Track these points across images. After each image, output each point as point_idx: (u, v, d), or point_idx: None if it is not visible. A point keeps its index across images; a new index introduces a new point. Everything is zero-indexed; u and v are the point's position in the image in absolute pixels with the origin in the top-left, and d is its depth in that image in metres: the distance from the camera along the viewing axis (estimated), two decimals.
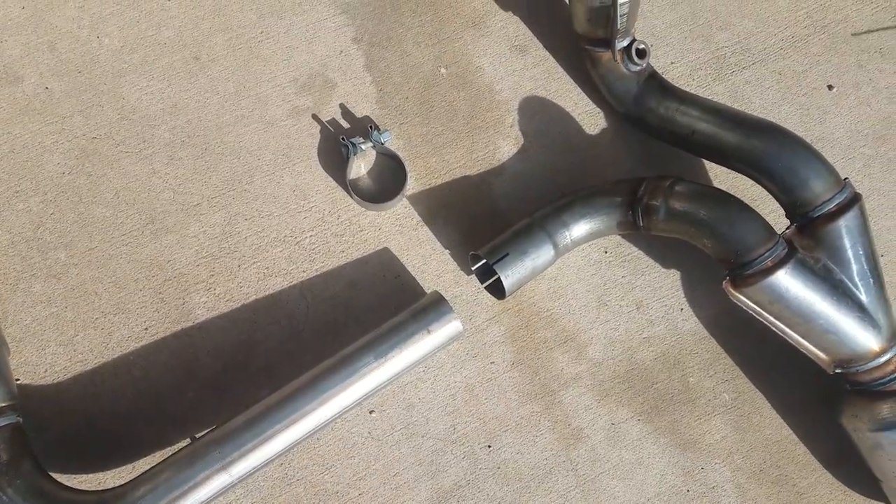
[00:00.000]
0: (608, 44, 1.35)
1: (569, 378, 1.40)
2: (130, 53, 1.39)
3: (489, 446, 1.35)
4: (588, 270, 1.44)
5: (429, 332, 1.23)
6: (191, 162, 1.36)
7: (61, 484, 1.10)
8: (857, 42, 1.57)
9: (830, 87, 1.57)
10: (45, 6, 1.40)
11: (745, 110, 1.46)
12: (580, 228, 1.34)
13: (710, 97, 1.46)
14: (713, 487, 1.40)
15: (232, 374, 1.29)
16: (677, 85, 1.43)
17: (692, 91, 1.47)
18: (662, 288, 1.45)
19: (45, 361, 1.26)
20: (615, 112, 1.48)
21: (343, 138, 1.35)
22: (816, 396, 1.41)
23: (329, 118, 1.41)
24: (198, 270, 1.32)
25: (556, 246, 1.31)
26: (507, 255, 1.28)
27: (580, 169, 1.47)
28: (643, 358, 1.42)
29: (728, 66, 1.56)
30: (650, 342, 1.43)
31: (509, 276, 1.28)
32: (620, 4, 1.26)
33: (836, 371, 1.28)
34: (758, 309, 1.26)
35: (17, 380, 1.24)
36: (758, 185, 1.32)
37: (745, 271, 1.22)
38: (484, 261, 1.30)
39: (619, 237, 1.44)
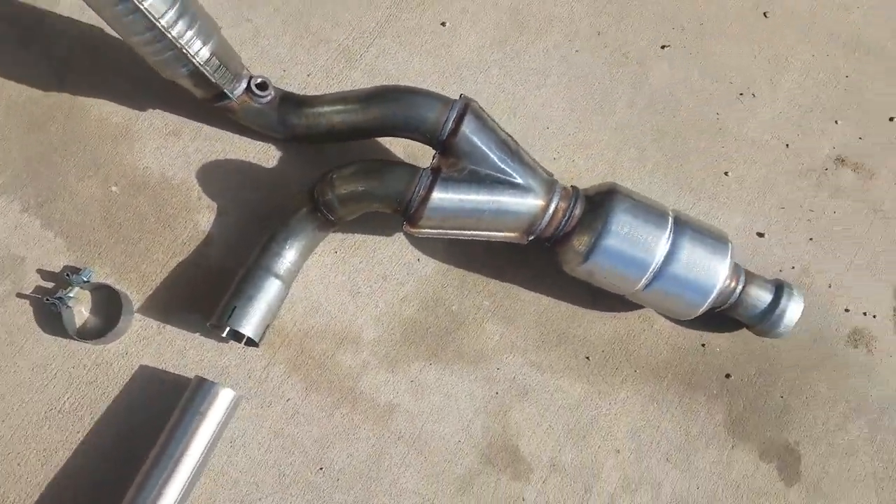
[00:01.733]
0: (227, 95, 1.24)
1: (358, 369, 1.31)
2: None
3: (321, 469, 1.26)
4: (330, 275, 1.35)
5: (202, 413, 1.12)
6: None
7: None
8: None
9: (443, 24, 1.52)
10: None
11: (386, 81, 1.40)
12: (292, 251, 1.24)
13: (352, 86, 1.38)
14: (514, 378, 1.35)
15: None
16: (321, 90, 1.35)
17: (336, 88, 1.39)
18: (394, 252, 1.37)
19: None
20: (277, 140, 1.37)
21: (47, 299, 1.19)
22: (543, 265, 1.38)
23: (32, 288, 1.26)
24: None
25: (278, 276, 1.21)
26: (235, 307, 1.18)
27: (276, 199, 1.36)
28: (408, 314, 1.35)
29: (354, 53, 1.48)
30: (408, 299, 1.36)
31: (247, 325, 1.18)
32: (204, 64, 1.14)
33: (530, 239, 1.24)
34: (439, 231, 1.20)
35: None
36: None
37: (410, 210, 1.16)
38: (229, 325, 1.18)
39: (336, 234, 1.35)
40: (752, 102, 1.58)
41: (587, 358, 1.39)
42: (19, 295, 1.23)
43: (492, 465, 1.29)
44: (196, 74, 1.17)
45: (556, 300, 1.40)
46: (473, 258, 1.38)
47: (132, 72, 1.35)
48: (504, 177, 1.20)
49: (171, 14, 1.06)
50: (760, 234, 1.51)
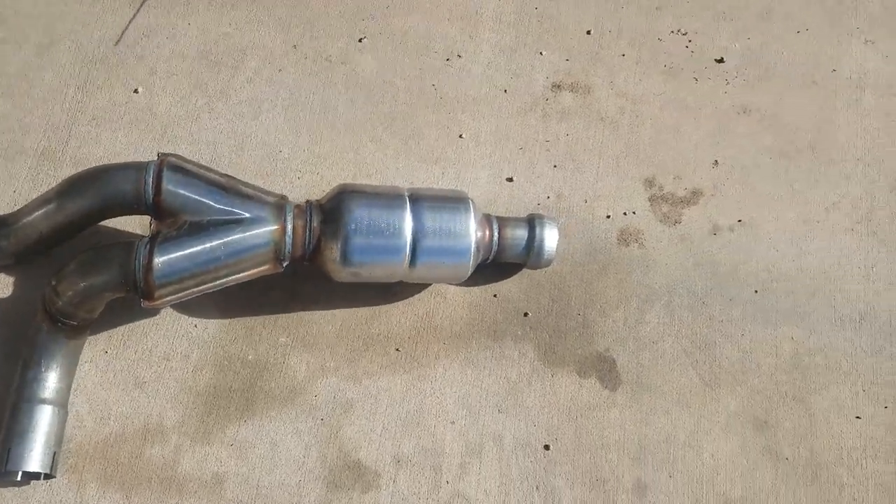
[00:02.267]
0: None
1: (172, 455, 1.37)
2: None
3: None
4: (108, 376, 1.40)
5: None
6: None
7: None
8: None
9: (136, 91, 1.61)
10: None
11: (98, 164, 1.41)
12: (52, 372, 1.29)
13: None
14: (334, 398, 1.45)
15: None
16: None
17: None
18: (167, 328, 1.44)
19: None
20: (5, 266, 1.39)
21: None
22: (320, 283, 1.49)
23: None
24: None
25: (46, 401, 1.24)
26: (10, 449, 1.19)
27: (22, 327, 1.37)
28: (205, 383, 1.41)
29: (55, 152, 1.54)
30: (199, 368, 1.42)
31: (30, 462, 1.20)
32: None
33: (285, 264, 1.33)
34: (184, 293, 1.25)
35: None
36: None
37: (140, 285, 1.20)
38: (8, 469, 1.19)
39: (97, 335, 1.40)
40: (461, 63, 1.78)
41: (397, 350, 1.52)
42: None
43: (339, 488, 1.39)
44: None
45: (348, 309, 1.52)
46: (250, 302, 1.46)
47: None
48: (228, 217, 1.27)
49: None
50: (510, 179, 1.70)
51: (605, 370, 1.57)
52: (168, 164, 1.26)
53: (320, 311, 1.51)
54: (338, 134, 1.65)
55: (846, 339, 1.60)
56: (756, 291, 1.65)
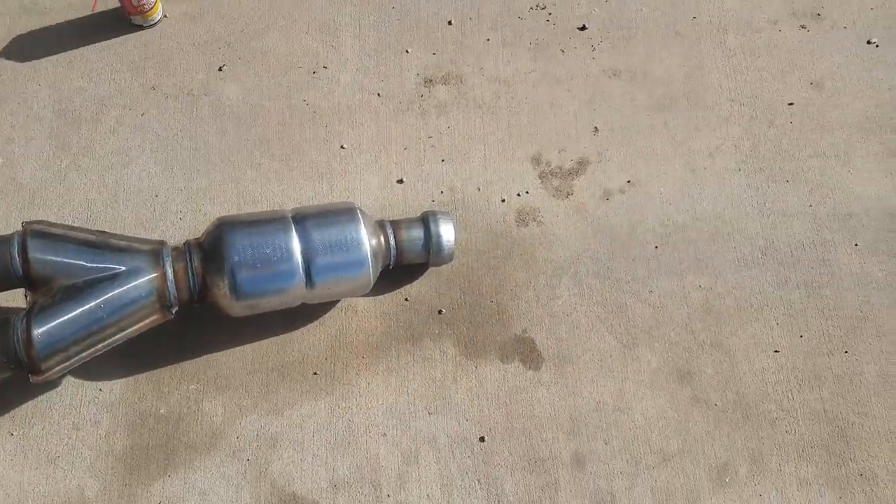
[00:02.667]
0: None
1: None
2: None
3: None
4: (18, 460, 1.44)
5: None
6: None
7: None
8: None
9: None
10: None
11: None
12: None
13: None
14: (257, 435, 1.51)
15: None
16: None
17: None
18: (71, 398, 1.49)
19: None
20: None
21: None
22: (218, 322, 1.56)
23: None
24: None
25: None
26: None
27: None
28: (122, 445, 1.47)
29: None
30: (112, 432, 1.47)
31: None
32: None
33: (175, 310, 1.37)
34: (70, 361, 1.28)
35: None
36: None
37: (24, 360, 1.23)
38: None
39: (3, 419, 1.43)
40: (328, 74, 1.84)
41: (315, 374, 1.57)
42: None
43: None
44: None
45: (255, 343, 1.56)
46: (151, 354, 1.50)
47: None
48: (103, 274, 1.29)
49: None
50: (400, 181, 1.77)
51: (526, 351, 1.65)
52: (31, 233, 1.28)
53: (227, 350, 1.55)
54: (214, 167, 1.70)
55: (752, 277, 1.72)
56: (656, 247, 1.77)
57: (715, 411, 1.61)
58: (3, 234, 1.31)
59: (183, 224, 1.61)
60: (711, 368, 1.64)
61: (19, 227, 1.34)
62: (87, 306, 1.28)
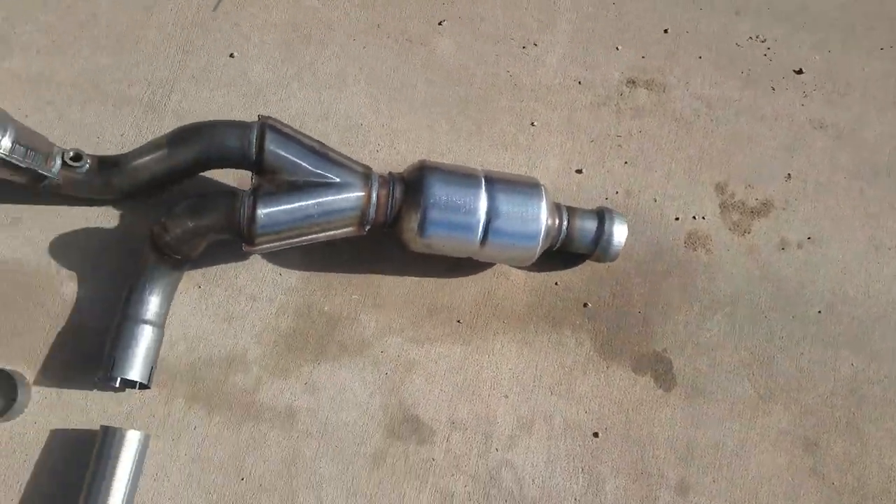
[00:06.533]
0: (42, 177, 2.05)
1: (252, 385, 2.19)
2: None
3: (242, 479, 2.11)
4: (199, 308, 2.22)
5: (116, 457, 1.93)
6: None
7: None
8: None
9: (232, 55, 2.50)
10: None
11: (195, 120, 2.22)
12: (154, 296, 2.09)
13: (162, 131, 2.24)
14: (398, 356, 2.27)
15: None
16: (137, 146, 2.20)
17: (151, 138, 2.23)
18: (256, 273, 2.28)
19: None
20: (111, 201, 2.25)
21: None
22: (395, 250, 2.30)
23: None
24: None
25: (149, 322, 2.05)
26: (114, 358, 2.00)
27: (127, 253, 2.23)
28: (286, 325, 2.25)
29: (158, 104, 2.42)
30: (281, 312, 2.26)
31: (130, 371, 1.99)
32: (10, 153, 1.95)
33: (368, 228, 2.13)
34: (279, 243, 2.05)
35: None
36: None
37: (244, 229, 2.00)
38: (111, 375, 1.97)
39: (194, 271, 2.24)
40: (536, 52, 2.65)
41: (458, 322, 2.34)
42: None
43: (397, 437, 2.20)
44: (7, 164, 1.98)
45: (417, 278, 2.34)
46: (331, 260, 2.28)
47: None
48: (320, 180, 2.08)
49: None
50: (579, 171, 2.54)
51: (661, 370, 2.36)
52: (269, 126, 2.06)
53: (391, 276, 2.34)
54: (415, 112, 2.51)
55: None
56: (820, 312, 2.43)
57: (830, 490, 2.23)
58: (238, 120, 2.11)
59: (378, 156, 2.41)
60: (840, 448, 2.28)
61: (246, 117, 2.13)
62: (304, 203, 2.05)
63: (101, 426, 1.98)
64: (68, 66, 2.42)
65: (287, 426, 2.18)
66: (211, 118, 2.15)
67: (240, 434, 2.15)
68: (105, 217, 2.28)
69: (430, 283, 2.36)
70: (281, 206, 2.02)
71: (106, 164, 2.15)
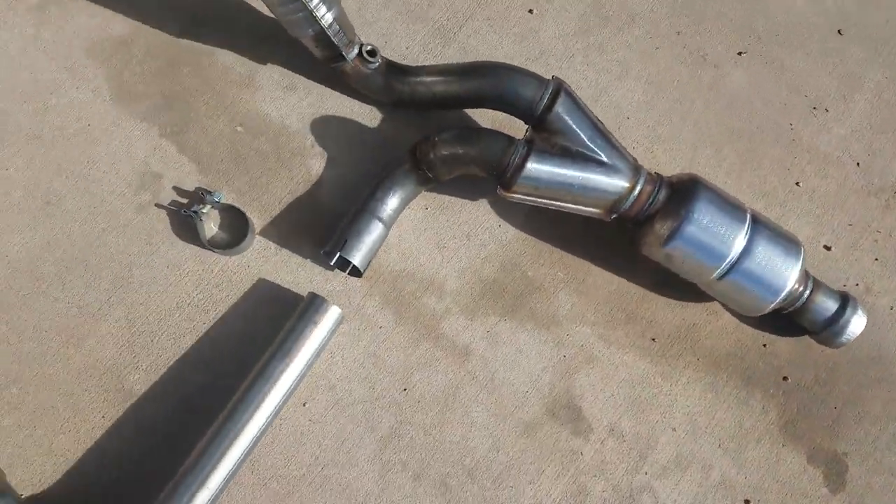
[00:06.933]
0: (342, 58, 2.26)
1: (441, 312, 2.31)
2: None
3: (405, 390, 2.24)
4: (420, 227, 2.36)
5: (315, 323, 2.08)
6: (79, 280, 2.18)
7: None
8: None
9: (531, 11, 2.62)
10: None
11: (477, 58, 2.42)
12: (393, 200, 2.23)
13: (447, 61, 2.42)
14: (582, 346, 2.32)
15: (184, 425, 2.11)
16: (418, 62, 2.38)
17: (432, 62, 2.44)
18: (479, 216, 2.39)
19: (35, 473, 2.05)
20: (381, 103, 2.43)
21: (184, 211, 2.21)
22: (619, 245, 2.38)
23: (168, 201, 2.28)
24: (122, 358, 2.14)
25: (381, 220, 2.19)
26: (347, 240, 2.16)
27: (379, 156, 2.39)
28: (488, 273, 2.35)
29: (449, 31, 2.54)
30: (488, 260, 2.36)
31: (356, 256, 2.15)
32: (328, 27, 2.15)
33: (613, 216, 2.20)
34: (531, 198, 2.16)
35: (21, 495, 2.03)
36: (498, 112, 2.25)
37: (506, 175, 2.12)
38: (337, 254, 2.16)
39: (428, 193, 2.38)
40: (825, 117, 2.65)
41: (653, 340, 2.38)
42: (157, 205, 2.27)
43: (555, 418, 2.28)
44: (320, 36, 2.18)
45: (627, 281, 2.40)
46: (551, 231, 2.37)
47: (254, 29, 2.44)
48: (593, 155, 2.15)
49: None
50: (827, 248, 2.50)
51: (834, 471, 2.31)
52: (565, 90, 2.17)
53: (603, 269, 2.41)
54: (684, 127, 2.56)
55: None
56: None
57: None
58: (538, 74, 2.23)
59: (633, 154, 2.42)
60: None
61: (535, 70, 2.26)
62: (570, 172, 2.14)
63: (310, 293, 2.15)
64: None
65: (458, 362, 2.28)
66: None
67: (416, 350, 2.28)
68: (370, 116, 2.45)
69: (637, 292, 2.41)
70: (550, 166, 2.11)
71: (394, 69, 2.32)
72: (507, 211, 2.40)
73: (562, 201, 2.18)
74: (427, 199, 2.39)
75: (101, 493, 2.07)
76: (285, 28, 2.21)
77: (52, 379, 2.14)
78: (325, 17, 2.15)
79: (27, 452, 2.07)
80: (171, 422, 2.13)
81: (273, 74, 2.46)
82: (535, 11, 2.63)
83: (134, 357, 2.18)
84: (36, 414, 2.11)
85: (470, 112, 2.44)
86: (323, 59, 2.29)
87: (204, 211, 2.21)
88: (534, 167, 2.11)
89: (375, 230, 2.21)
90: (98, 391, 2.14)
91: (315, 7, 2.10)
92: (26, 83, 2.38)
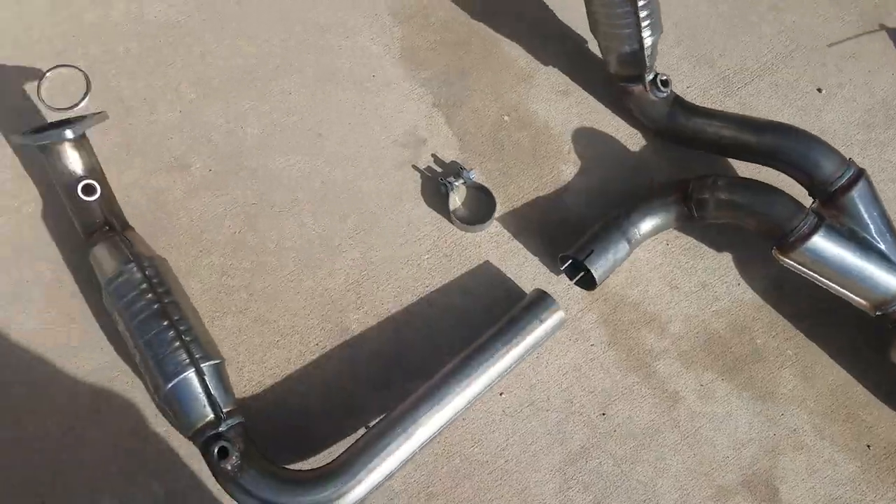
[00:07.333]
0: (639, 79, 2.30)
1: (658, 351, 2.29)
2: (269, 137, 2.33)
3: (603, 414, 2.21)
4: (656, 260, 2.34)
5: (540, 321, 2.07)
6: (328, 213, 2.27)
7: (282, 467, 1.87)
8: (833, 51, 2.66)
9: (820, 90, 2.58)
10: (195, 108, 2.37)
11: (747, 112, 2.40)
12: (646, 225, 2.23)
13: (724, 110, 2.42)
14: (794, 430, 2.21)
15: (387, 373, 2.14)
16: (695, 103, 2.41)
17: (709, 107, 2.43)
18: (720, 268, 2.35)
19: (243, 379, 2.11)
20: (649, 131, 2.44)
21: (441, 178, 2.28)
22: (859, 341, 2.30)
23: (425, 166, 2.36)
24: (347, 295, 2.21)
25: (629, 241, 2.18)
26: (593, 251, 2.17)
27: (630, 179, 2.40)
28: (716, 328, 2.31)
29: (733, 85, 2.54)
30: (719, 314, 2.32)
31: (598, 269, 2.15)
32: (646, 48, 2.21)
33: (878, 314, 2.12)
34: (803, 269, 2.10)
35: None
36: (780, 174, 2.22)
37: (789, 239, 2.07)
38: (570, 261, 2.17)
39: (674, 230, 2.34)
40: None
41: (868, 446, 2.24)
42: (414, 167, 2.36)
43: (751, 492, 2.15)
44: (632, 55, 2.26)
45: (857, 380, 2.30)
46: (794, 305, 2.31)
47: (542, 28, 2.53)
48: (878, 247, 2.10)
49: (644, 2, 2.16)
50: None
51: None
52: (865, 177, 2.14)
53: (835, 361, 2.33)
54: None
55: None
56: None
57: None
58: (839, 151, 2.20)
59: None
60: None
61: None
62: (852, 257, 2.06)
63: (539, 289, 2.16)
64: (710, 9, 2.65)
65: (664, 405, 2.23)
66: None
67: (623, 378, 2.24)
68: (631, 137, 2.51)
69: (864, 394, 2.31)
70: (836, 246, 2.08)
71: (682, 104, 2.36)
72: (751, 271, 2.37)
73: (832, 281, 2.13)
74: (671, 234, 2.38)
75: (301, 415, 2.12)
76: (599, 39, 2.33)
77: (280, 295, 2.22)
78: (647, 38, 2.23)
79: (240, 357, 2.14)
80: (380, 368, 2.17)
81: (551, 76, 2.53)
82: (823, 91, 2.61)
83: (358, 298, 2.24)
84: (257, 323, 2.18)
85: (734, 163, 2.45)
86: (616, 76, 2.36)
87: (456, 184, 2.28)
88: (820, 242, 2.07)
89: (621, 250, 2.21)
90: (318, 319, 2.20)
91: (644, 27, 2.20)
92: (328, 20, 2.55)
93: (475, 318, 2.21)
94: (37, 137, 1.94)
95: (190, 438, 1.83)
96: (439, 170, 2.37)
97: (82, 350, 2.10)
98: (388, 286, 2.25)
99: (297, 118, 2.40)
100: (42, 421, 2.03)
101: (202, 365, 1.82)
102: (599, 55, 2.41)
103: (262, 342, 2.16)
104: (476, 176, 2.32)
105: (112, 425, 2.05)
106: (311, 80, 2.45)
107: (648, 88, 2.31)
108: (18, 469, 1.99)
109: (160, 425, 2.04)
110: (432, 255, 2.29)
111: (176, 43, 2.45)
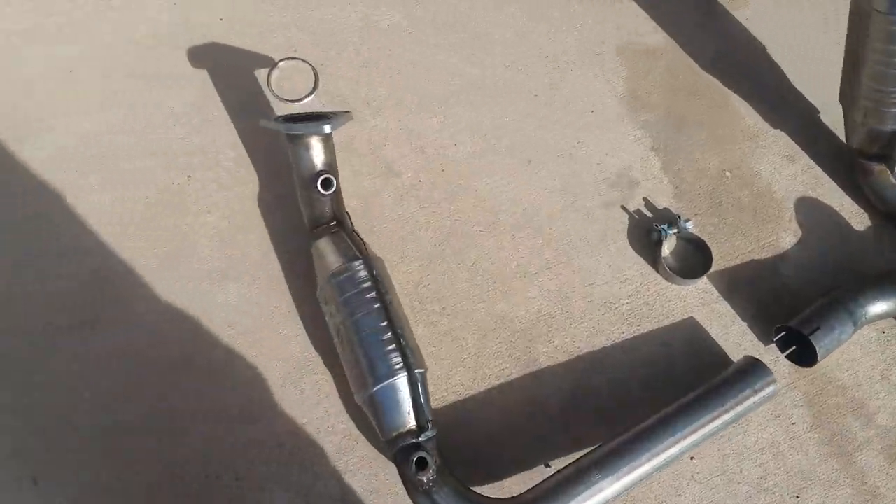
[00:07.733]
0: (882, 159, 2.23)
1: (861, 441, 2.13)
2: (479, 156, 2.36)
3: (797, 497, 2.06)
4: (870, 347, 2.20)
5: (754, 391, 1.98)
6: (528, 240, 2.26)
7: (470, 489, 1.81)
8: None
9: None
10: (414, 119, 2.42)
11: None
12: (876, 308, 2.11)
13: None
14: None
15: (569, 413, 2.08)
16: None
17: None
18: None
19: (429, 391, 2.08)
20: (878, 213, 2.33)
21: (656, 225, 2.22)
22: None
23: (634, 209, 2.32)
24: (539, 326, 2.20)
25: (854, 323, 2.06)
26: (819, 328, 2.07)
27: (852, 259, 2.30)
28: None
29: None
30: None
31: (822, 347, 2.03)
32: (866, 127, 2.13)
33: None
34: None
35: None
36: None
37: None
38: (784, 333, 2.09)
39: (893, 319, 2.23)
40: None
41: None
42: (623, 207, 2.31)
43: None
44: (881, 132, 2.22)
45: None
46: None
47: (775, 92, 2.51)
48: None
49: None
50: None
51: None
52: None
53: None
54: None
55: None
56: None
57: None
58: None
59: None
60: None
61: None
62: None
63: (754, 357, 2.09)
64: None
65: (861, 497, 2.14)
66: None
67: (822, 464, 2.14)
68: (857, 216, 2.47)
69: None
70: None
71: None
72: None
73: None
74: (889, 323, 2.26)
75: (480, 438, 2.08)
76: (853, 111, 2.30)
77: (471, 315, 2.20)
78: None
79: (429, 369, 2.07)
80: (562, 406, 2.12)
81: (779, 140, 2.48)
82: None
83: (549, 331, 2.19)
84: (447, 338, 2.17)
85: None
86: (858, 151, 2.32)
87: (670, 232, 2.22)
88: None
89: (847, 331, 2.10)
90: (506, 345, 2.17)
91: None
92: (554, 50, 2.63)
93: (671, 374, 2.14)
94: (294, 127, 2.00)
95: (385, 443, 1.81)
96: (650, 215, 2.33)
97: (276, 333, 2.13)
98: (581, 324, 2.20)
99: (509, 142, 2.41)
100: (223, 397, 2.06)
101: (415, 371, 1.79)
102: (831, 127, 2.38)
103: (449, 358, 2.14)
104: (691, 227, 2.26)
105: (296, 415, 2.05)
106: (528, 108, 2.48)
107: (886, 171, 2.25)
108: (195, 446, 2.02)
109: (344, 422, 2.04)
110: (633, 301, 2.23)
111: (403, 54, 2.53)
